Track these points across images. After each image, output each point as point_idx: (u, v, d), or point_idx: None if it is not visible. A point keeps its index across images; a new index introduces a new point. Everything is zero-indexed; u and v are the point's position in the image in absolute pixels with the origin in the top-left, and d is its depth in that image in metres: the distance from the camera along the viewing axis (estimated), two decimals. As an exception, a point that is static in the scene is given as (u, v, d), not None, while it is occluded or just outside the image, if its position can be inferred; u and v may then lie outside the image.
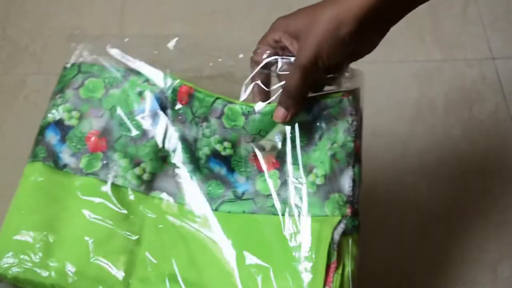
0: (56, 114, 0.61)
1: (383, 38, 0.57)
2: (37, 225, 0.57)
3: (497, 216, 0.74)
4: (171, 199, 0.58)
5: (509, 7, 0.94)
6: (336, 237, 0.53)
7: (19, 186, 0.60)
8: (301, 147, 0.57)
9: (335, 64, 0.56)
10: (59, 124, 0.61)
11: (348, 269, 0.53)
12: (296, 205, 0.55)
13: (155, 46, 0.61)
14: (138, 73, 0.62)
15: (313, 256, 0.53)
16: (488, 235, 0.73)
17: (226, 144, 0.59)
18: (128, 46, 0.62)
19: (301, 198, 0.55)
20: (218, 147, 0.59)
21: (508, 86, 0.85)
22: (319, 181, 0.55)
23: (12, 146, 0.78)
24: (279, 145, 0.58)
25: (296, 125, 0.57)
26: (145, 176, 0.59)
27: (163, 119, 0.60)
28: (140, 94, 0.61)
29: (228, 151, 0.59)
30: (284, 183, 0.56)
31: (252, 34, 0.92)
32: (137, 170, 0.59)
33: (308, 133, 0.57)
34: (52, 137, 0.60)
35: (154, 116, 0.61)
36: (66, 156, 0.59)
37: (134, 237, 0.57)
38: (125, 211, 0.58)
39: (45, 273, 0.56)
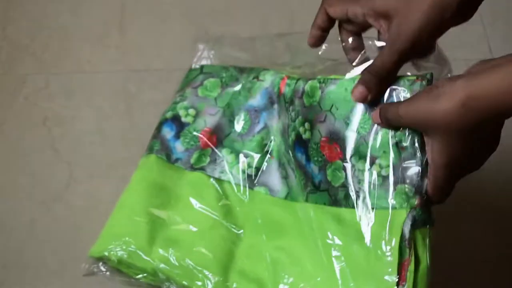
0: (174, 111, 0.64)
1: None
2: (144, 212, 0.59)
3: (494, 216, 0.75)
4: (272, 194, 0.59)
5: (509, 7, 0.94)
6: (406, 231, 0.50)
7: (133, 176, 0.63)
8: (363, 135, 0.53)
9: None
10: (175, 120, 0.64)
11: (424, 265, 0.50)
12: (362, 198, 0.53)
13: (267, 45, 0.62)
14: (250, 71, 0.64)
15: (386, 253, 0.50)
16: (484, 239, 0.73)
17: (306, 125, 0.57)
18: (243, 45, 0.64)
19: (365, 191, 0.53)
20: (301, 129, 0.58)
21: (508, 86, 0.85)
22: (384, 172, 0.52)
23: (12, 146, 0.79)
24: (345, 132, 0.55)
25: (366, 110, 0.53)
26: (250, 171, 0.61)
27: (268, 114, 0.62)
28: (249, 90, 0.62)
29: (307, 134, 0.57)
30: (350, 175, 0.54)
31: (252, 34, 0.92)
32: (242, 165, 0.61)
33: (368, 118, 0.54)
34: (167, 132, 0.63)
35: (261, 111, 0.62)
36: (178, 151, 0.63)
37: (238, 231, 0.59)
38: (230, 205, 0.60)
39: (148, 258, 0.57)
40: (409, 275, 0.50)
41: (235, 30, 0.90)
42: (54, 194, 0.74)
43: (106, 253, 0.59)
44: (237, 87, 0.64)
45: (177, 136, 0.63)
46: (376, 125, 0.53)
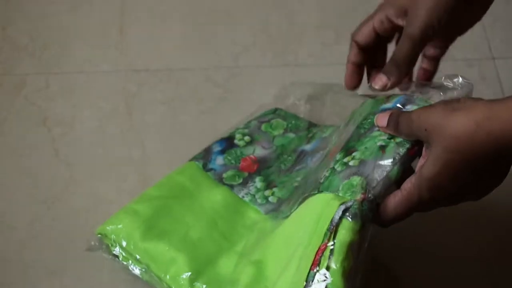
0: (231, 134, 0.68)
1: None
2: (152, 210, 0.61)
3: (491, 216, 0.74)
4: (277, 217, 0.59)
5: (509, 7, 0.94)
6: (336, 217, 0.49)
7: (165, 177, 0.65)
8: (361, 134, 0.54)
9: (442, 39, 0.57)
10: (228, 140, 0.67)
11: (340, 257, 0.48)
12: (318, 183, 0.53)
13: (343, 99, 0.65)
14: (319, 126, 0.67)
15: (308, 236, 0.50)
16: (480, 235, 0.73)
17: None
18: (323, 96, 0.68)
19: (326, 176, 0.53)
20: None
21: (508, 86, 0.85)
22: (352, 163, 0.52)
23: (12, 146, 0.78)
24: (351, 134, 0.55)
25: (370, 115, 0.55)
26: (271, 199, 0.62)
27: (312, 157, 0.63)
28: (308, 139, 0.66)
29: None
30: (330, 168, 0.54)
31: (252, 34, 0.92)
32: (267, 192, 0.63)
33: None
34: (216, 147, 0.67)
35: (308, 155, 0.64)
36: (216, 163, 0.65)
37: (234, 245, 0.59)
38: (236, 223, 0.61)
39: (137, 255, 0.60)
40: (323, 260, 0.47)
41: (235, 30, 0.90)
42: (54, 194, 0.74)
43: (107, 232, 0.61)
44: (299, 135, 0.67)
45: (222, 151, 0.66)
46: (375, 127, 0.53)
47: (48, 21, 0.91)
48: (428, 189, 0.48)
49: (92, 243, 0.63)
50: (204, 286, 0.56)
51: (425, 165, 0.47)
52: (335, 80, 0.66)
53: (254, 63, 0.87)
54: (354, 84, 0.61)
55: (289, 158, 0.65)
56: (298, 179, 0.62)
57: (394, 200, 0.50)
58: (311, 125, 0.68)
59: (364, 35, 0.58)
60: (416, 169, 0.49)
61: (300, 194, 0.57)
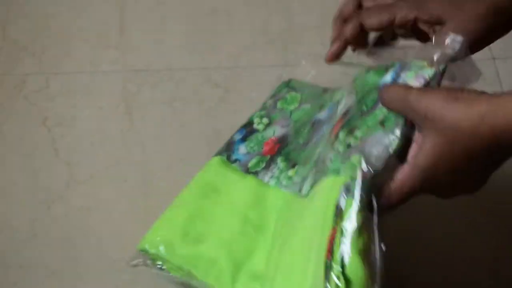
0: (250, 119, 0.67)
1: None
2: (186, 215, 0.60)
3: (491, 218, 0.74)
4: (300, 195, 0.58)
5: (509, 7, 0.93)
6: (340, 199, 0.48)
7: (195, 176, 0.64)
8: (364, 112, 0.52)
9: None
10: (248, 126, 0.66)
11: (353, 237, 0.46)
12: (325, 168, 0.53)
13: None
14: (332, 91, 0.64)
15: (321, 223, 0.48)
16: (475, 237, 0.73)
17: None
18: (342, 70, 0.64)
19: (331, 159, 0.52)
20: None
21: (508, 86, 0.85)
22: (353, 142, 0.51)
23: (12, 146, 0.79)
24: (353, 109, 0.55)
25: (373, 89, 0.53)
26: (296, 178, 0.61)
27: (327, 125, 0.61)
28: (321, 106, 0.64)
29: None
30: (332, 147, 0.54)
31: (252, 34, 0.92)
32: (290, 172, 0.61)
33: (377, 97, 0.53)
34: (237, 136, 0.66)
35: (324, 123, 0.62)
36: (240, 153, 0.64)
37: (265, 237, 0.58)
38: (268, 213, 0.60)
39: (179, 263, 0.58)
40: (335, 247, 0.46)
41: (235, 30, 0.90)
42: (54, 194, 0.74)
43: (147, 246, 0.60)
44: (313, 104, 0.65)
45: (243, 139, 0.65)
46: (377, 105, 0.52)
47: (48, 21, 0.91)
48: (422, 180, 0.46)
49: (136, 261, 0.61)
50: (247, 282, 0.56)
51: (420, 154, 0.46)
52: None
53: (254, 63, 0.87)
54: (336, 59, 0.58)
55: (305, 130, 0.63)
56: (318, 150, 0.59)
57: (389, 190, 0.47)
58: (324, 91, 0.66)
59: (374, 24, 0.54)
60: (409, 158, 0.47)
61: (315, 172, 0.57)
